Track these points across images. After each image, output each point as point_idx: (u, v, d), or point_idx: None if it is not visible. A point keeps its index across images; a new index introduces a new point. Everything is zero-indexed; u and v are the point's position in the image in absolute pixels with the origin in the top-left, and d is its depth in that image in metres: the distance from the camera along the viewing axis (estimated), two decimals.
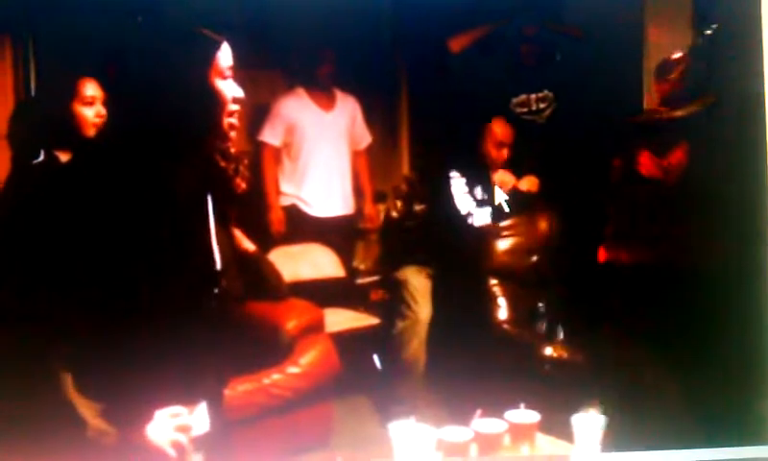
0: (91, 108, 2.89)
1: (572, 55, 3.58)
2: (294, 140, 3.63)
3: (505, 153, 3.57)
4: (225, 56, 2.33)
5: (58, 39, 3.07)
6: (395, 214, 3.63)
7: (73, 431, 2.33)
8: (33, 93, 3.17)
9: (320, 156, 3.68)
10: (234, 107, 2.38)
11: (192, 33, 2.37)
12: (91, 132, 2.88)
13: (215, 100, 2.32)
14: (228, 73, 2.35)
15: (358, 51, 3.55)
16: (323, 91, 3.69)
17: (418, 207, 3.61)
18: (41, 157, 2.80)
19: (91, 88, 2.90)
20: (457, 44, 3.51)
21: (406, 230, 3.62)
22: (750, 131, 2.81)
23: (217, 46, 2.30)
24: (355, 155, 3.75)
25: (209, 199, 2.34)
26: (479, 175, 3.58)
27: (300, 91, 3.67)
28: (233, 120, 2.39)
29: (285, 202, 3.63)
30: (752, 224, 2.79)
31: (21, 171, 2.87)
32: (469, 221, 3.55)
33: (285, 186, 3.62)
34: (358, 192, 3.76)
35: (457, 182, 3.58)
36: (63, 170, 2.59)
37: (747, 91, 2.85)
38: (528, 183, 3.58)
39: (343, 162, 3.72)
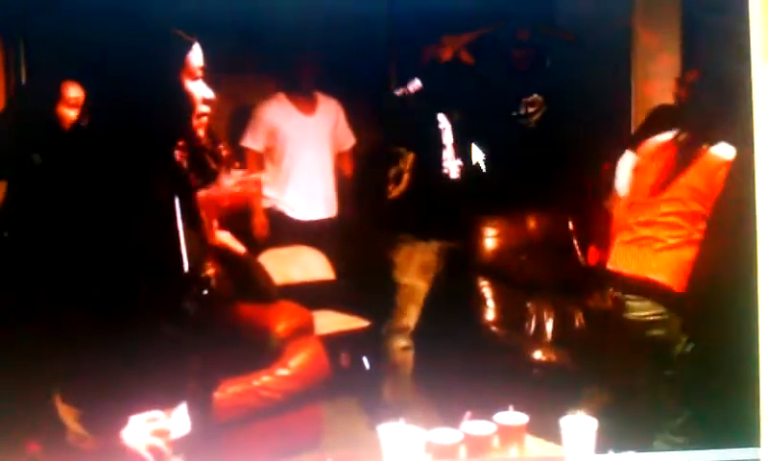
0: (75, 109, 2.88)
1: (563, 59, 3.60)
2: (276, 145, 3.64)
3: None
4: (196, 56, 2.32)
5: (47, 41, 3.07)
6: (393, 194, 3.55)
7: (54, 436, 2.34)
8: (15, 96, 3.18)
9: (302, 160, 3.67)
10: (204, 108, 2.37)
11: (164, 33, 2.36)
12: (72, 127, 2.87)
13: (185, 101, 2.31)
14: (199, 74, 2.34)
15: (342, 54, 3.55)
16: (304, 96, 3.70)
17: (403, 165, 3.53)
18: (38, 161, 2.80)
19: (74, 90, 2.89)
20: (449, 47, 3.50)
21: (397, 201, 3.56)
22: (737, 134, 2.82)
23: (189, 47, 2.29)
24: (339, 156, 3.76)
25: (181, 200, 2.32)
26: None
27: (281, 96, 3.68)
28: (203, 121, 2.39)
29: (268, 206, 3.62)
30: (741, 226, 2.80)
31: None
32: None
33: (268, 191, 3.61)
34: (342, 194, 3.75)
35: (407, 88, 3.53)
36: (40, 167, 2.58)
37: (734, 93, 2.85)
38: None
39: (326, 165, 3.72)
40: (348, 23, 3.31)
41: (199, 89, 2.33)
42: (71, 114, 2.89)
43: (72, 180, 2.24)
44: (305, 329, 3.17)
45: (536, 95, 3.60)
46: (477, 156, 3.53)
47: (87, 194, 2.21)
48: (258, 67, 3.67)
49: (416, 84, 3.46)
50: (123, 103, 2.23)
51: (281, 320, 3.10)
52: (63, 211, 2.23)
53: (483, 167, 3.54)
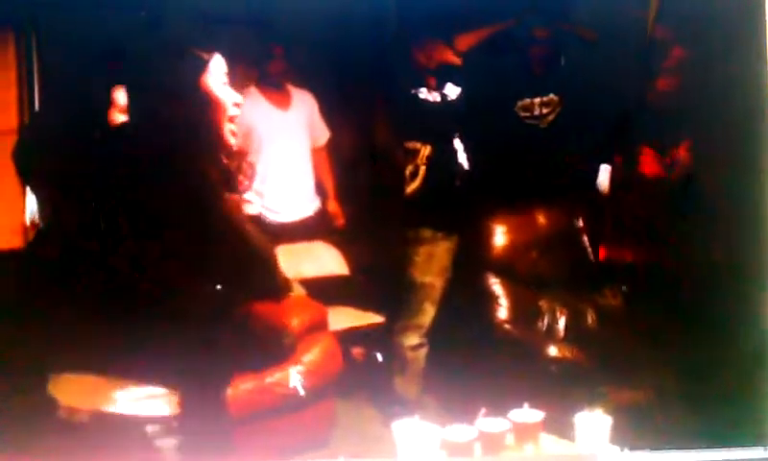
0: (123, 114, 2.90)
1: (578, 58, 3.58)
2: (251, 145, 3.41)
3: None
4: (218, 66, 2.43)
5: (61, 34, 3.06)
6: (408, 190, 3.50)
7: (45, 413, 2.38)
8: (38, 89, 3.17)
9: (280, 158, 3.53)
10: (235, 111, 2.47)
11: (184, 51, 2.47)
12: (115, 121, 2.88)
13: (216, 106, 2.41)
14: (225, 80, 2.44)
15: (350, 51, 3.47)
16: (276, 89, 3.54)
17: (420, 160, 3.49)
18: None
19: (122, 96, 2.90)
20: (463, 43, 3.48)
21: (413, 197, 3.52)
22: (752, 128, 2.81)
23: (207, 61, 2.41)
24: (315, 152, 3.64)
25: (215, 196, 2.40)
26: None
27: (253, 90, 3.50)
28: (233, 125, 2.48)
29: (249, 211, 3.38)
30: (753, 223, 2.79)
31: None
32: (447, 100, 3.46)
33: (247, 194, 3.36)
34: (321, 191, 3.66)
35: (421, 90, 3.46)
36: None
37: (749, 89, 2.84)
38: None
39: (305, 162, 3.60)
40: (357, 19, 3.29)
41: (227, 95, 2.44)
42: (121, 119, 2.90)
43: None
44: (319, 325, 3.16)
45: (552, 95, 3.58)
46: (489, 151, 3.51)
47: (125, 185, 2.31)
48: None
49: (454, 91, 3.45)
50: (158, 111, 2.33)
51: (295, 315, 3.09)
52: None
53: (494, 163, 3.53)
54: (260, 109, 3.48)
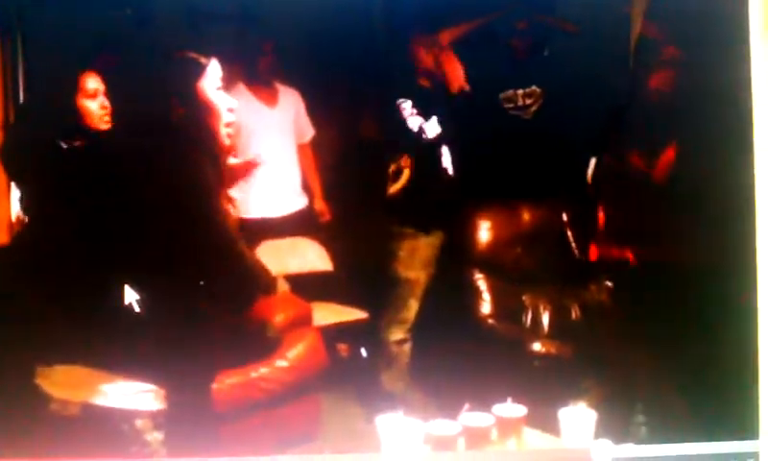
0: (94, 100, 2.91)
1: (561, 50, 3.58)
2: (239, 142, 3.31)
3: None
4: (214, 72, 2.47)
5: (47, 32, 3.06)
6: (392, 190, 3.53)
7: (36, 406, 2.40)
8: (23, 84, 3.16)
9: (267, 155, 3.53)
10: (230, 116, 2.50)
11: (180, 57, 2.50)
12: (100, 123, 2.90)
13: (210, 111, 2.45)
14: (220, 85, 2.48)
15: (333, 46, 3.44)
16: (264, 86, 3.55)
17: (404, 163, 3.52)
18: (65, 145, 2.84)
19: (93, 82, 2.92)
20: (446, 37, 3.49)
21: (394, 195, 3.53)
22: (738, 128, 2.82)
23: (205, 66, 2.42)
24: (300, 149, 3.66)
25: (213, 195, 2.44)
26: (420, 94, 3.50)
27: (241, 87, 3.50)
28: (230, 129, 2.52)
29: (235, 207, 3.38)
30: (740, 220, 2.80)
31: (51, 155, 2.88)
32: (424, 137, 3.49)
33: (234, 191, 3.44)
34: (306, 187, 3.67)
35: (405, 106, 3.49)
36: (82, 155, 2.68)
37: (735, 89, 2.85)
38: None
39: (291, 159, 3.61)
40: (340, 13, 3.29)
41: (222, 100, 2.46)
42: (92, 105, 2.91)
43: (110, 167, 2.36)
44: (303, 321, 3.17)
45: (534, 87, 3.59)
46: (471, 148, 3.52)
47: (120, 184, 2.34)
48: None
49: (434, 129, 3.47)
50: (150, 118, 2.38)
51: (279, 311, 3.10)
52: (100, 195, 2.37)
53: (477, 159, 3.54)
54: (248, 107, 3.46)
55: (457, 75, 3.48)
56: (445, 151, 3.48)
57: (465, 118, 3.49)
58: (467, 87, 3.48)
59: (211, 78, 2.54)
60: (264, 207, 3.55)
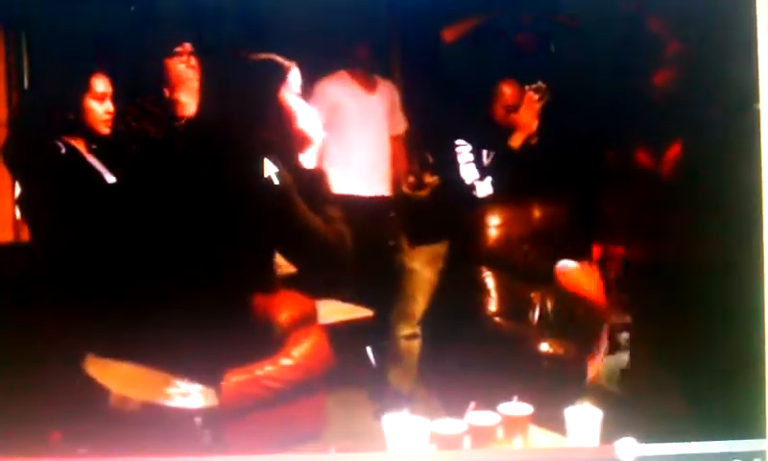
0: (101, 103, 2.91)
1: (567, 46, 3.57)
2: (336, 122, 3.58)
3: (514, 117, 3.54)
4: (295, 78, 2.52)
5: (52, 28, 3.06)
6: (406, 189, 3.58)
7: (95, 402, 2.43)
8: (27, 81, 3.17)
9: (362, 138, 3.68)
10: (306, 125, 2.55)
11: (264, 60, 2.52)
12: (100, 126, 2.91)
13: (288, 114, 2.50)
14: (299, 91, 2.53)
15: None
16: (365, 74, 3.70)
17: (429, 179, 3.57)
18: (63, 150, 2.86)
19: (102, 84, 2.92)
20: (451, 34, 3.49)
21: (417, 202, 3.58)
22: (745, 124, 2.80)
23: (288, 69, 2.53)
24: (392, 140, 3.76)
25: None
26: (485, 141, 3.57)
27: (343, 74, 3.68)
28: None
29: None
30: (747, 218, 2.79)
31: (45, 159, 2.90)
32: (474, 193, 3.53)
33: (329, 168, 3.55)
34: (395, 176, 3.76)
35: (463, 150, 3.54)
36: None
37: (741, 84, 2.84)
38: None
39: (384, 146, 3.73)
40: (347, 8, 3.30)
41: (299, 105, 2.51)
42: (98, 108, 2.92)
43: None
44: (309, 319, 3.16)
45: (540, 82, 3.58)
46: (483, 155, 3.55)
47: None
48: (320, 47, 3.62)
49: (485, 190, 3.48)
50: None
51: (284, 309, 3.10)
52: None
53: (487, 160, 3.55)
54: (347, 89, 3.67)
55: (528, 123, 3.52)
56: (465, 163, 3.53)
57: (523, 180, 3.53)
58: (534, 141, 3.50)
59: (292, 84, 2.58)
60: (356, 187, 3.63)
